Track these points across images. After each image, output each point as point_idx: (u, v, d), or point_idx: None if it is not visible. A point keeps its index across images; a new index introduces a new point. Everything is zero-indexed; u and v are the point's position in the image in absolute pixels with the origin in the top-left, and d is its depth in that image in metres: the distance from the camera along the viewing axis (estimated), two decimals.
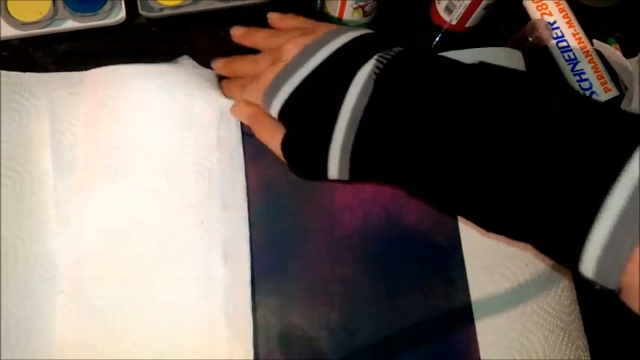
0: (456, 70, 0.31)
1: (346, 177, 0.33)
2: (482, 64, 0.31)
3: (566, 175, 0.25)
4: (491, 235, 0.30)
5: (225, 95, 0.41)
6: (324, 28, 0.36)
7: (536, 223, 0.26)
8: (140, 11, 0.44)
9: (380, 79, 0.31)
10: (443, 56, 0.33)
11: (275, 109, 0.34)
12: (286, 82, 0.33)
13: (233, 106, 0.40)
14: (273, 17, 0.42)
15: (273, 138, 0.36)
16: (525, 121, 0.27)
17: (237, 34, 0.42)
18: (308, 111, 0.33)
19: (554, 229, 0.26)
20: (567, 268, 0.32)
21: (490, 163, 0.27)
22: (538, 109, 0.27)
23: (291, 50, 0.34)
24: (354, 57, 0.32)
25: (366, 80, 0.31)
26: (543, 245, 0.28)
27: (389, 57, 0.31)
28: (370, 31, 0.35)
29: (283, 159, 0.36)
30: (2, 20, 0.42)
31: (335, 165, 0.32)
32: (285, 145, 0.35)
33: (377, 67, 0.31)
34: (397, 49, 0.33)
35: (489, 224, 0.30)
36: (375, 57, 0.32)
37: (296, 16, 0.42)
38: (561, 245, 0.26)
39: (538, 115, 0.27)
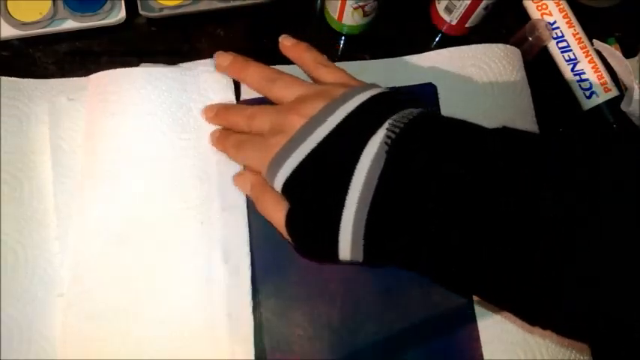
0: (471, 139, 0.28)
1: (360, 259, 0.30)
2: (503, 129, 0.29)
3: None
4: None
5: (215, 146, 0.39)
6: (332, 89, 0.33)
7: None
8: (140, 11, 0.45)
9: (392, 150, 0.28)
10: (458, 121, 0.30)
11: (279, 183, 0.31)
12: (291, 155, 0.31)
13: (237, 175, 0.38)
14: (285, 43, 0.40)
15: (276, 213, 0.33)
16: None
17: (226, 63, 0.40)
18: (315, 186, 0.30)
19: None
20: None
21: (513, 246, 0.25)
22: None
23: (296, 122, 0.32)
24: (363, 125, 0.29)
25: (377, 152, 0.28)
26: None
27: (401, 125, 0.28)
28: (378, 89, 0.33)
29: (287, 236, 0.33)
30: (2, 20, 0.43)
31: (347, 246, 0.29)
32: (289, 222, 0.32)
33: (388, 137, 0.28)
34: (408, 112, 0.30)
35: (519, 311, 0.28)
36: (386, 125, 0.29)
37: (310, 48, 0.39)
38: None
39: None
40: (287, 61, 0.44)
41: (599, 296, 0.26)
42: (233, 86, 0.42)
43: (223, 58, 0.40)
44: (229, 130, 0.39)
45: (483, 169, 0.26)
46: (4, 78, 0.41)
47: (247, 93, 0.43)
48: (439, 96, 0.44)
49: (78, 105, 0.41)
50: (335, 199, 0.28)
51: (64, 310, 0.36)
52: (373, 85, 0.34)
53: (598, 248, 0.25)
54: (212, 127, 0.40)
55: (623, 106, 0.47)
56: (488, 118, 0.42)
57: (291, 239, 0.32)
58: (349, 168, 0.28)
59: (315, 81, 0.38)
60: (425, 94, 0.44)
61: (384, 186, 0.27)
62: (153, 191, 0.38)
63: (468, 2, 0.44)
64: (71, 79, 0.42)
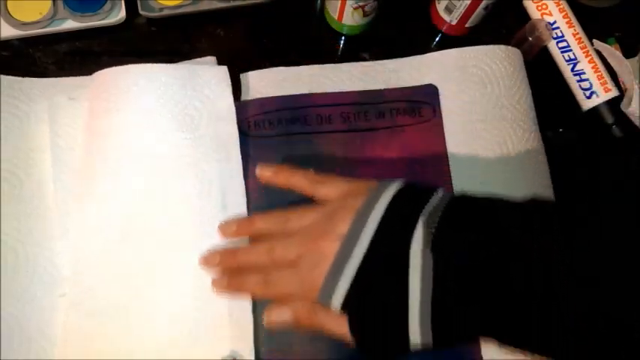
0: (506, 218, 0.30)
1: (430, 347, 0.31)
2: (532, 203, 0.31)
3: None
4: None
5: (227, 292, 0.37)
6: (346, 205, 0.33)
7: None
8: (140, 11, 0.45)
9: (436, 247, 0.30)
10: (488, 200, 0.32)
11: (337, 304, 0.32)
12: (340, 278, 0.31)
13: (273, 311, 0.34)
14: (265, 173, 0.38)
15: (340, 328, 0.33)
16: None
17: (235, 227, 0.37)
18: (374, 296, 0.31)
19: None
20: None
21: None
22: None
23: (329, 246, 0.32)
24: (399, 232, 0.31)
25: (423, 252, 0.30)
26: None
27: (436, 219, 0.30)
28: (392, 189, 0.33)
29: (355, 344, 0.33)
30: (2, 20, 0.43)
31: (417, 340, 0.30)
32: (357, 331, 0.32)
33: (429, 233, 0.30)
34: (434, 206, 0.31)
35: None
36: (421, 222, 0.30)
37: (294, 170, 0.37)
38: None
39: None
40: (289, 63, 0.44)
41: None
42: (230, 84, 0.42)
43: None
44: (235, 271, 0.37)
45: (513, 248, 0.28)
46: (3, 76, 0.41)
47: (247, 94, 0.43)
48: (440, 97, 0.44)
49: (77, 103, 0.41)
50: (398, 303, 0.30)
51: (64, 309, 0.36)
52: (383, 185, 0.33)
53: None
54: (211, 124, 0.40)
55: (623, 106, 0.47)
56: (489, 119, 0.43)
57: (361, 346, 0.33)
58: (401, 273, 0.30)
59: (317, 200, 0.37)
60: (426, 95, 0.44)
61: (439, 283, 0.29)
62: (153, 189, 0.38)
63: (468, 2, 0.44)
64: (70, 77, 0.42)
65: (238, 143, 0.41)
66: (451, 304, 0.29)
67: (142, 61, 0.42)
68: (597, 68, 0.48)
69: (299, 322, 0.34)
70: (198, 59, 0.44)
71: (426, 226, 0.30)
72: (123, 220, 0.37)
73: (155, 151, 0.39)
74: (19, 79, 0.42)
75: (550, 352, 0.29)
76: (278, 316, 0.35)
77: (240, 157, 0.40)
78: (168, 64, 0.41)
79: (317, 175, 0.37)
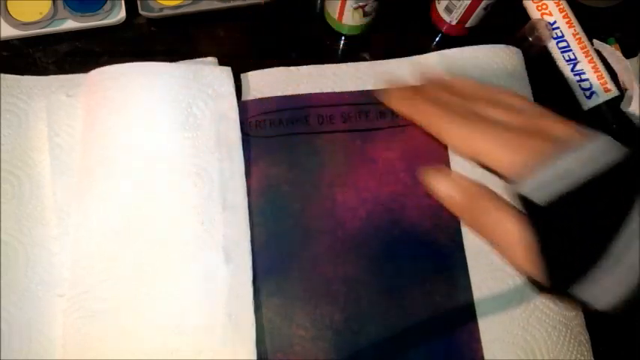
0: None
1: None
2: None
3: None
4: None
5: (399, 110, 0.34)
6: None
7: None
8: (140, 11, 0.45)
9: None
10: None
11: (546, 190, 0.25)
12: (565, 162, 0.25)
13: (443, 180, 0.29)
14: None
15: (506, 227, 0.26)
16: None
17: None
18: (586, 219, 0.24)
19: None
20: None
21: None
22: None
23: (561, 128, 0.28)
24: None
25: None
26: None
27: None
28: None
29: (521, 261, 0.26)
30: (2, 20, 0.43)
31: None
32: (545, 247, 0.25)
33: None
34: None
35: None
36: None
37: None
38: None
39: None
40: (289, 63, 0.44)
41: None
42: (234, 84, 0.42)
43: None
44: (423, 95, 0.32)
45: None
46: (3, 75, 0.41)
47: (247, 94, 0.43)
48: None
49: (76, 102, 0.41)
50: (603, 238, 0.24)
51: (64, 310, 0.36)
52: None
53: None
54: (212, 124, 0.40)
55: (623, 106, 0.47)
56: None
57: (543, 265, 0.25)
58: (622, 214, 0.23)
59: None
60: None
61: None
62: (153, 190, 0.38)
63: (468, 2, 0.44)
64: (69, 75, 0.42)
65: (241, 143, 0.40)
66: None
67: (142, 61, 0.42)
68: (597, 68, 0.48)
69: (464, 204, 0.29)
70: (200, 59, 0.44)
71: None
72: (122, 219, 0.37)
73: (156, 150, 0.39)
74: (19, 77, 0.42)
75: None
76: (448, 189, 0.29)
77: (242, 157, 0.40)
78: (173, 63, 0.41)
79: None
